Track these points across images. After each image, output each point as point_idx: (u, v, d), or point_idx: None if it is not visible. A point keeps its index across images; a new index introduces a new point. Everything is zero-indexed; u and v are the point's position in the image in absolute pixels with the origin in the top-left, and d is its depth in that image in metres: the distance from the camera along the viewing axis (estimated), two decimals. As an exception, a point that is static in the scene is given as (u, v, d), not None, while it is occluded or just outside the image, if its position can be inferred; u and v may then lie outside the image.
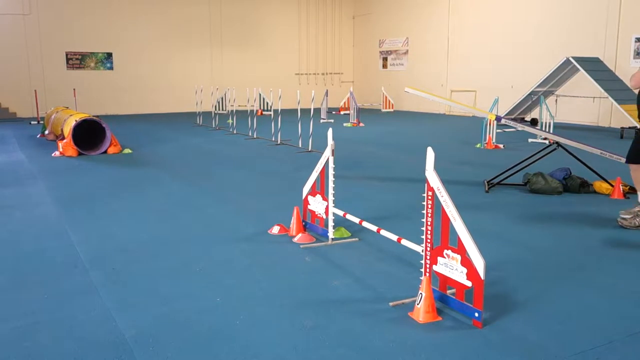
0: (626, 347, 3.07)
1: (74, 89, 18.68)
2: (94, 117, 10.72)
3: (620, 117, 13.59)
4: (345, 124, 16.46)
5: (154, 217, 5.91)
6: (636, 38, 14.92)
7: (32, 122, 17.36)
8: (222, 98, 17.96)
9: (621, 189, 6.79)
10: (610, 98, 13.47)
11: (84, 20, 20.33)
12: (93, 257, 4.60)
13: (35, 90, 18.74)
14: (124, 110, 21.02)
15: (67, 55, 20.35)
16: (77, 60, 20.52)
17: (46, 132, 13.04)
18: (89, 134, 10.78)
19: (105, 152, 10.53)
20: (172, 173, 8.59)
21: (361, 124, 16.47)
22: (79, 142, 10.37)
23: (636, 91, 5.66)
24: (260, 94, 17.68)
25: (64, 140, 10.38)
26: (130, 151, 10.84)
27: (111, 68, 21.11)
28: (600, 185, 6.96)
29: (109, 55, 21.00)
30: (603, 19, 15.50)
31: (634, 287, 3.96)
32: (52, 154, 10.34)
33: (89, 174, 8.53)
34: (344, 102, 20.66)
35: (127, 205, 6.45)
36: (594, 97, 15.04)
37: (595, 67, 14.15)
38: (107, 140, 10.57)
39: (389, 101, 22.11)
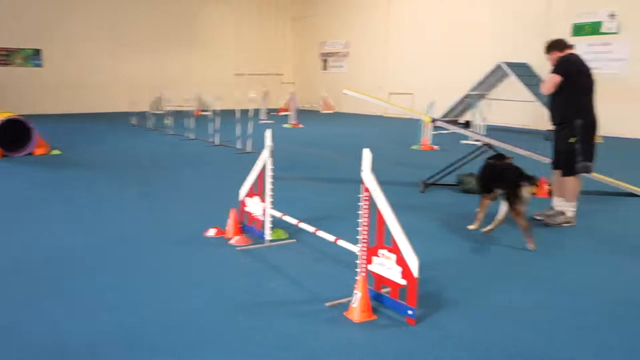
0: (554, 338, 3.20)
1: (-1, 87, 17.82)
2: (19, 117, 10.23)
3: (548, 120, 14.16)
4: (284, 125, 16.44)
5: (85, 223, 5.70)
6: (563, 45, 15.61)
7: (-46, 121, 16.42)
8: (158, 98, 17.56)
9: (546, 189, 7.08)
10: (538, 102, 14.05)
11: (10, 14, 19.36)
12: (16, 266, 4.39)
13: (-44, 88, 17.75)
14: (54, 110, 20.17)
15: (-8, 51, 19.38)
16: (2, 57, 19.54)
17: (-31, 131, 12.36)
18: (13, 135, 10.28)
19: (32, 153, 10.07)
20: (105, 175, 8.32)
21: (301, 125, 16.50)
22: (3, 143, 9.86)
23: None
24: (198, 95, 17.42)
25: (-12, 141, 9.87)
26: (59, 152, 10.41)
27: (40, 65, 20.22)
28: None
29: (37, 51, 20.11)
30: (532, 26, 16.14)
31: (559, 282, 4.13)
32: (-25, 155, 9.81)
33: (13, 177, 8.13)
34: (284, 104, 20.63)
35: (56, 211, 6.19)
36: (524, 101, 15.63)
37: (525, 72, 14.74)
38: (33, 140, 10.12)
39: (329, 103, 22.24)
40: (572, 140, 5.40)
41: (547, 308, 3.66)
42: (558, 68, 5.59)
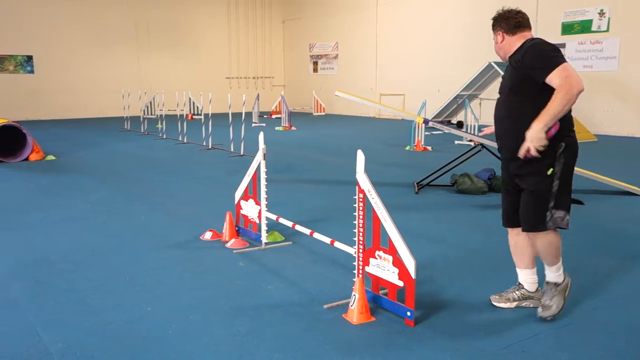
0: (550, 339, 3.22)
1: (-9, 93, 17.72)
2: (13, 123, 10.20)
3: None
4: (277, 128, 16.45)
5: (80, 226, 5.69)
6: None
7: (-56, 129, 16.32)
8: (150, 102, 17.51)
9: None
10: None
11: (1, 22, 19.28)
12: (14, 269, 4.38)
13: (-53, 95, 17.63)
14: (47, 115, 20.08)
15: (-18, 57, 19.27)
16: (-7, 63, 19.47)
17: (-40, 138, 12.29)
18: (8, 141, 10.24)
19: (27, 159, 10.04)
20: (99, 179, 8.30)
21: (293, 128, 16.51)
22: (-3, 149, 9.83)
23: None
24: (190, 98, 17.39)
25: (-20, 148, 9.82)
26: (54, 157, 10.38)
27: (32, 71, 20.13)
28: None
29: (29, 58, 20.02)
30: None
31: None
32: (-33, 162, 9.77)
33: (8, 183, 8.10)
34: (276, 106, 20.63)
35: (51, 214, 6.17)
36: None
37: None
38: (29, 146, 10.08)
39: (321, 105, 22.28)
40: (549, 172, 3.26)
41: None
42: (554, 54, 3.23)
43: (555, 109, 3.09)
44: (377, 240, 3.52)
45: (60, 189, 7.60)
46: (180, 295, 3.86)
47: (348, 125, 18.33)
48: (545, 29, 15.76)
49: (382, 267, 3.50)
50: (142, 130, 15.26)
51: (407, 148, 11.96)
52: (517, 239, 3.63)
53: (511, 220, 3.59)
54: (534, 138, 3.12)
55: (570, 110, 3.27)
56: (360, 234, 3.64)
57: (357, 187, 3.58)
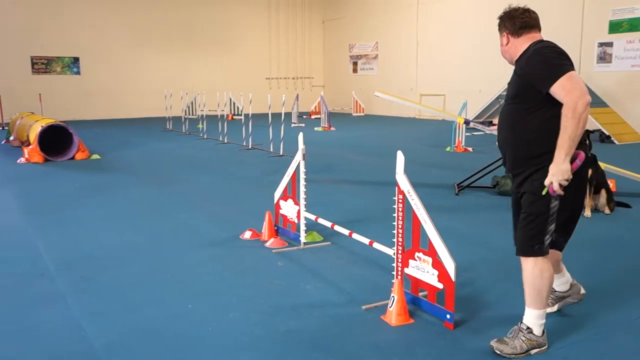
0: (593, 345, 3.13)
1: (40, 94, 18.30)
2: (61, 123, 10.51)
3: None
4: (316, 128, 16.48)
5: (123, 224, 5.82)
6: (599, 43, 15.31)
7: (-4, 128, 16.97)
8: (192, 102, 17.79)
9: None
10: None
11: (50, 25, 19.92)
12: (60, 264, 4.51)
13: (-1, 96, 18.30)
14: (92, 116, 20.65)
15: (32, 59, 19.93)
16: (42, 65, 20.11)
17: (11, 138, 12.74)
18: (55, 140, 10.57)
19: (73, 158, 10.34)
20: (142, 179, 8.48)
21: (332, 128, 16.52)
22: (46, 148, 10.15)
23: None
24: (230, 99, 17.59)
25: (30, 147, 10.16)
26: (98, 157, 10.66)
27: (78, 73, 20.74)
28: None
29: (76, 59, 20.63)
30: (567, 24, 15.85)
31: (600, 286, 4.04)
32: (18, 161, 10.10)
33: (56, 181, 8.36)
34: (315, 107, 20.69)
35: (96, 212, 6.34)
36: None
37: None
38: (75, 146, 10.38)
39: (360, 105, 22.23)
40: (544, 192, 2.90)
41: (590, 314, 3.58)
42: (559, 61, 2.88)
43: (571, 134, 2.75)
44: (416, 242, 3.49)
45: (105, 187, 7.79)
46: (220, 294, 3.90)
47: (387, 125, 18.24)
48: (592, 27, 15.36)
49: (421, 269, 3.47)
50: (184, 131, 15.52)
51: (448, 149, 11.82)
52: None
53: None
54: (559, 171, 2.79)
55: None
56: (400, 235, 3.61)
57: (396, 188, 3.56)
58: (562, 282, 3.51)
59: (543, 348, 3.05)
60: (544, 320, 3.06)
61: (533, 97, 2.94)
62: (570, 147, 2.77)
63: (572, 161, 2.81)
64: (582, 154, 2.86)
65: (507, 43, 3.18)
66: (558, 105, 2.81)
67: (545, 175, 2.86)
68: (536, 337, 3.04)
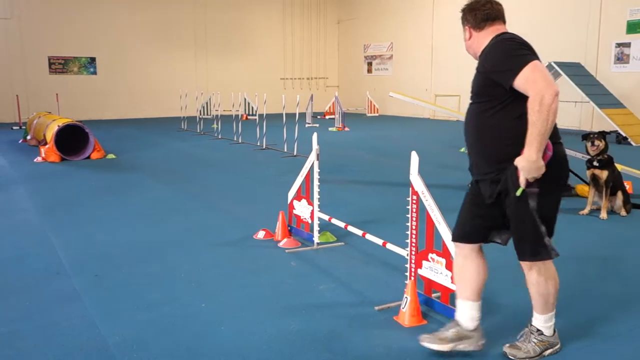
0: (608, 348, 3.10)
1: (57, 94, 18.50)
2: (77, 122, 10.62)
3: (602, 121, 13.77)
4: (330, 129, 16.48)
5: (138, 223, 5.86)
6: (616, 44, 15.14)
7: (14, 128, 17.16)
8: (206, 103, 17.89)
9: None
10: (591, 102, 13.65)
11: (66, 25, 20.15)
12: (76, 263, 4.55)
13: (17, 95, 18.51)
14: (108, 115, 20.85)
15: (49, 59, 20.16)
16: (59, 65, 20.34)
17: (28, 137, 12.90)
18: (71, 139, 10.67)
19: (89, 157, 10.43)
20: (157, 178, 8.54)
21: (346, 129, 16.51)
22: (62, 148, 10.26)
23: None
24: (245, 99, 17.66)
25: (47, 146, 10.27)
26: (114, 156, 10.75)
27: (94, 73, 20.95)
28: (583, 189, 7.03)
29: (92, 59, 20.84)
30: (584, 25, 15.70)
31: (615, 288, 4.00)
32: (34, 160, 10.22)
33: (71, 180, 8.44)
34: (329, 107, 20.69)
35: (111, 211, 6.39)
36: (575, 102, 15.22)
37: (577, 72, 14.34)
38: (91, 145, 10.48)
39: (374, 105, 22.19)
40: (518, 193, 2.69)
41: (602, 316, 3.54)
42: (520, 52, 2.66)
43: (541, 129, 2.53)
44: (430, 243, 3.47)
45: (120, 187, 7.85)
46: (234, 293, 3.91)
47: (402, 126, 18.19)
48: (609, 28, 15.20)
49: (435, 270, 3.45)
50: (198, 130, 15.60)
51: (462, 150, 11.75)
52: (466, 261, 3.04)
53: (466, 234, 3.01)
54: (531, 168, 2.59)
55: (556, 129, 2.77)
56: (413, 236, 3.60)
57: (410, 188, 3.55)
58: (471, 317, 3.01)
59: (556, 347, 2.99)
60: (553, 322, 2.98)
61: (497, 95, 2.72)
62: (541, 144, 2.56)
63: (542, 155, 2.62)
64: (551, 144, 2.66)
65: (470, 37, 2.97)
66: (526, 101, 2.58)
67: (512, 176, 2.68)
68: (547, 338, 2.96)
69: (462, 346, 2.97)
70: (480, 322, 3.04)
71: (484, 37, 2.87)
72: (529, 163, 2.59)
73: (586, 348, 3.10)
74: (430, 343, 2.98)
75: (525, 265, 2.90)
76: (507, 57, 2.67)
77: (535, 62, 2.60)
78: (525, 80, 2.57)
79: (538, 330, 2.96)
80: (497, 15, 2.90)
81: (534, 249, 2.81)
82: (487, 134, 2.79)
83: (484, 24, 2.89)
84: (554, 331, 3.00)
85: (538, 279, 2.88)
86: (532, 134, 2.56)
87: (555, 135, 2.76)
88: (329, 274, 4.29)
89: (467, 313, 3.01)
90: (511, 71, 2.61)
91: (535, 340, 2.95)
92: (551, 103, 2.52)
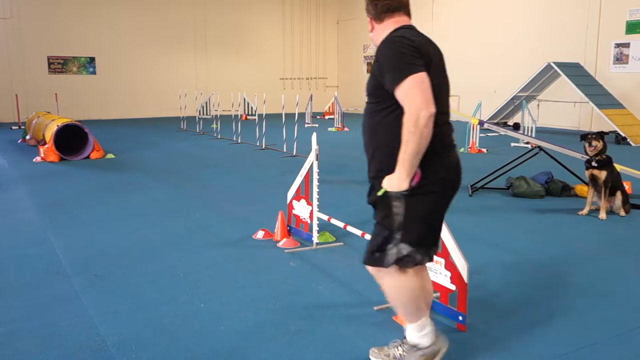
0: (609, 349, 3.10)
1: (56, 94, 18.48)
2: (76, 122, 10.62)
3: (601, 121, 13.78)
4: (329, 129, 16.49)
5: (138, 222, 5.86)
6: (615, 44, 15.15)
7: (13, 127, 17.15)
8: (206, 103, 17.88)
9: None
10: (590, 103, 13.66)
11: (66, 25, 20.13)
12: (75, 263, 4.55)
13: (16, 95, 18.50)
14: (107, 115, 20.84)
15: (48, 59, 20.14)
16: (59, 65, 20.32)
17: (27, 137, 12.89)
18: (71, 139, 10.67)
19: (88, 157, 10.43)
20: (156, 178, 8.54)
21: (346, 129, 16.51)
22: (61, 147, 10.26)
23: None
24: (244, 99, 17.65)
25: (46, 146, 10.27)
26: (113, 156, 10.75)
27: (94, 72, 20.93)
28: (582, 189, 7.04)
29: (92, 59, 20.83)
30: (584, 25, 15.71)
31: (614, 288, 4.00)
32: (34, 159, 10.22)
33: (71, 180, 8.44)
34: (329, 107, 20.69)
35: (110, 211, 6.39)
36: (574, 102, 15.22)
37: (576, 72, 14.36)
38: (90, 145, 10.48)
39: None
40: (380, 192, 2.62)
41: (603, 318, 3.55)
42: (407, 59, 2.43)
43: (413, 150, 2.37)
44: (429, 243, 3.47)
45: (119, 186, 7.85)
46: (233, 293, 3.91)
47: (401, 126, 18.16)
48: (608, 28, 15.22)
49: (434, 270, 3.45)
50: (198, 130, 15.60)
51: (462, 150, 11.76)
52: (423, 278, 2.82)
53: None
54: (394, 187, 2.48)
55: (447, 132, 2.64)
56: (412, 236, 3.59)
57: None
58: (426, 333, 2.83)
59: (442, 351, 2.81)
60: (427, 329, 2.77)
61: (387, 96, 2.49)
62: (412, 166, 2.42)
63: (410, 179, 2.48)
64: (419, 174, 2.48)
65: (372, 29, 2.75)
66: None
67: (385, 173, 2.56)
68: (427, 350, 2.77)
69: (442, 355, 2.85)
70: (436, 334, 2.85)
71: (384, 30, 2.66)
72: (395, 182, 2.46)
73: (586, 348, 3.11)
74: (376, 359, 2.89)
75: (373, 272, 2.77)
76: (393, 61, 2.45)
77: (418, 75, 2.37)
78: (404, 94, 2.39)
79: (414, 345, 2.78)
80: (399, 6, 2.68)
81: (371, 252, 2.70)
82: (380, 135, 2.61)
83: (384, 15, 2.69)
84: (434, 336, 2.80)
85: (388, 284, 2.75)
86: (404, 152, 2.40)
87: (442, 146, 2.59)
88: (328, 274, 4.29)
89: (420, 332, 2.81)
90: (394, 79, 2.42)
91: (401, 350, 2.82)
92: (424, 125, 2.35)
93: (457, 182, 2.74)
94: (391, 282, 2.71)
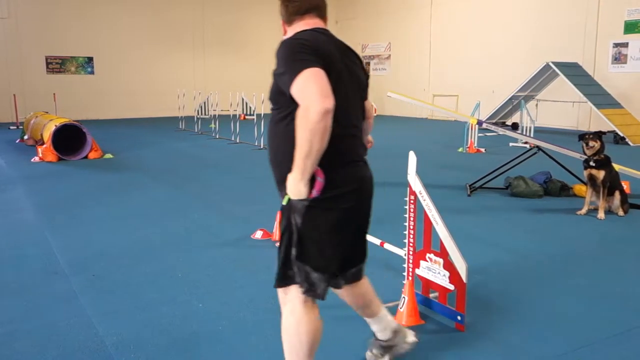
0: (607, 349, 3.11)
1: (54, 94, 18.48)
2: (74, 122, 10.60)
3: (599, 121, 13.79)
4: (328, 129, 16.46)
5: (136, 222, 5.86)
6: (614, 43, 15.17)
7: (11, 127, 17.13)
8: (204, 102, 17.88)
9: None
10: (589, 102, 13.67)
11: (64, 24, 20.11)
12: (74, 263, 4.55)
13: (14, 95, 18.50)
14: (105, 115, 20.82)
15: (47, 59, 20.12)
16: (57, 65, 20.30)
17: (25, 137, 12.87)
18: (69, 139, 10.66)
19: (86, 157, 10.42)
20: (155, 178, 8.53)
21: (344, 129, 16.49)
22: (59, 147, 10.24)
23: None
24: (243, 99, 17.65)
25: (44, 146, 10.26)
26: (111, 156, 10.74)
27: (92, 72, 20.91)
28: (580, 189, 7.04)
29: (90, 59, 20.81)
30: (582, 24, 15.73)
31: (613, 288, 4.01)
32: (32, 159, 10.21)
33: (69, 180, 8.43)
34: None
35: (109, 211, 6.38)
36: (573, 102, 15.24)
37: (575, 72, 14.37)
38: (88, 145, 10.46)
39: (372, 105, 22.17)
40: (285, 201, 2.37)
41: (602, 317, 3.55)
42: (301, 56, 2.24)
43: (307, 150, 2.12)
44: (427, 243, 3.47)
45: (118, 186, 7.84)
46: (231, 293, 3.91)
47: (400, 126, 18.19)
48: (607, 28, 15.24)
49: (432, 270, 3.45)
50: (196, 130, 15.59)
51: (460, 150, 11.77)
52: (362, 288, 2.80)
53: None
54: (295, 192, 2.22)
55: (353, 136, 2.43)
56: (411, 236, 3.60)
57: (408, 188, 3.55)
58: (381, 329, 2.82)
59: None
60: None
61: (288, 101, 2.26)
62: (306, 167, 2.16)
63: (313, 181, 2.24)
64: (321, 183, 2.25)
65: (285, 33, 2.57)
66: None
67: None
68: None
69: (396, 352, 2.86)
70: (393, 329, 2.86)
71: (293, 32, 2.47)
72: (293, 185, 2.22)
73: (585, 348, 3.11)
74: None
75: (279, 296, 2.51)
76: (286, 60, 2.26)
77: (313, 69, 2.16)
78: (298, 90, 2.16)
79: None
80: (309, 8, 2.49)
81: (281, 273, 2.43)
82: (281, 144, 2.36)
83: (294, 18, 2.51)
84: None
85: (288, 319, 2.45)
86: (297, 151, 2.16)
87: (348, 159, 2.41)
88: (327, 274, 4.28)
89: (375, 327, 2.85)
90: (289, 79, 2.20)
91: None
92: (317, 121, 2.08)
93: (365, 200, 2.51)
94: (301, 316, 2.42)
